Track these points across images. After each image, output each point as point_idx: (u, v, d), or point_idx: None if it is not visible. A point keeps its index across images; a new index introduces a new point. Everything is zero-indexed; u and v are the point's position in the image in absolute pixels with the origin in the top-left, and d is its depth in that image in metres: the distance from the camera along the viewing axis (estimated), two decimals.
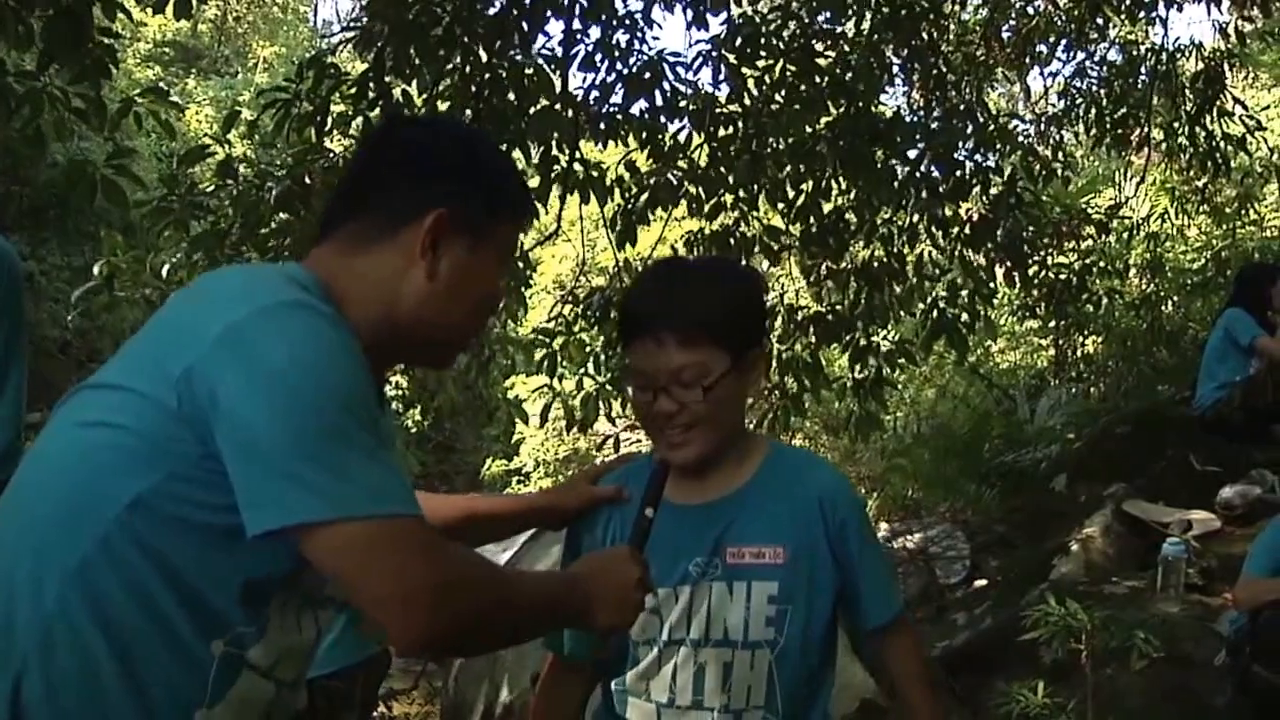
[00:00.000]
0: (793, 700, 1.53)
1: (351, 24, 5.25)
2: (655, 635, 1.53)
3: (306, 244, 1.27)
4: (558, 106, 4.43)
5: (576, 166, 4.69)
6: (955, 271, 5.53)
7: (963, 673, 4.05)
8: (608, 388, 5.01)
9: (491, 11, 4.37)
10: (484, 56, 4.40)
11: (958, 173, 5.22)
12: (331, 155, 4.42)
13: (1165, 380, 7.08)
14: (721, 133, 4.94)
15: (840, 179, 5.18)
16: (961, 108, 5.68)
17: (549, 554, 4.15)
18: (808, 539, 1.53)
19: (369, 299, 1.20)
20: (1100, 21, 6.41)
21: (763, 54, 4.92)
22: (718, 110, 4.90)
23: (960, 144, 5.37)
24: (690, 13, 4.88)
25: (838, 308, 5.41)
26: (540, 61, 4.48)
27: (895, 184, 5.14)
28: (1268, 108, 8.49)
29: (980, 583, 5.39)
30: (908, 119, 5.53)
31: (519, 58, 4.43)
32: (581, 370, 5.12)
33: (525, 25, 4.35)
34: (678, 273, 1.63)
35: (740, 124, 4.93)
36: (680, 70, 4.69)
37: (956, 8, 6.40)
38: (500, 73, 4.39)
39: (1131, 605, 3.94)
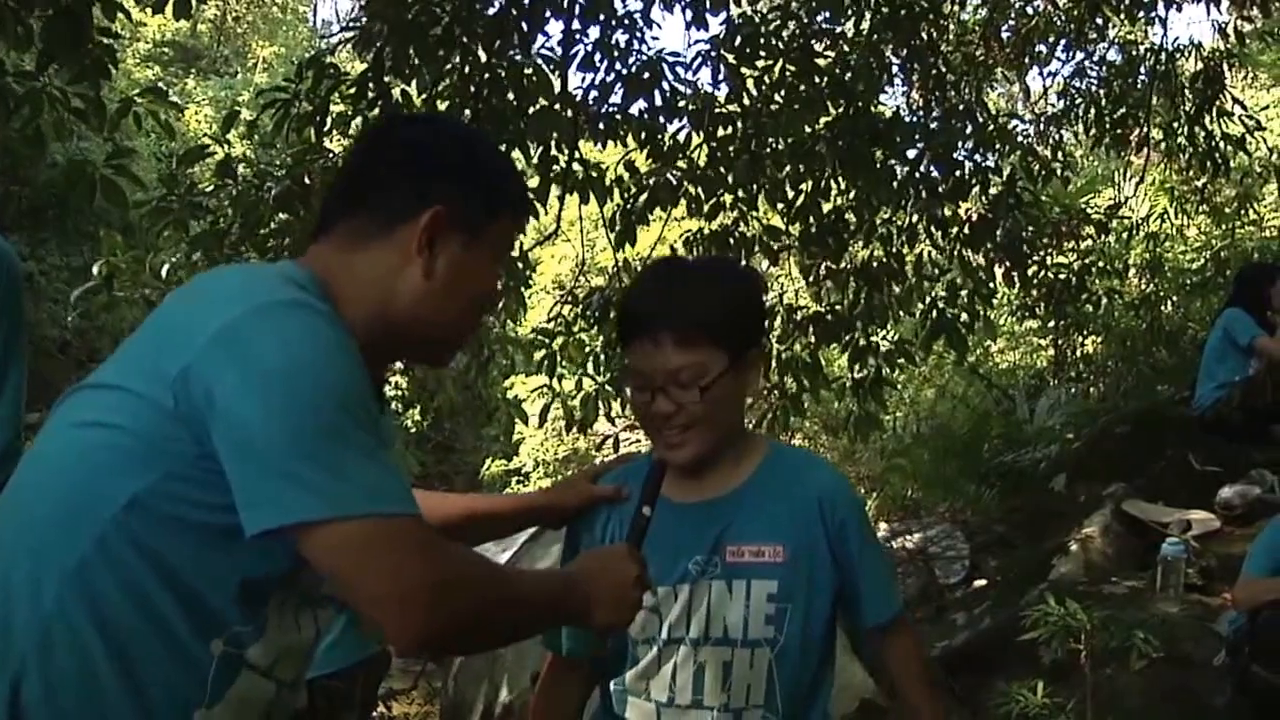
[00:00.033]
0: (792, 699, 1.53)
1: (351, 24, 5.26)
2: (655, 634, 1.53)
3: (306, 244, 1.27)
4: (557, 106, 4.43)
5: (576, 166, 4.69)
6: (954, 271, 5.53)
7: (962, 673, 4.05)
8: (607, 388, 5.01)
9: (491, 11, 4.37)
10: (483, 56, 4.40)
11: (957, 173, 5.23)
12: (331, 155, 4.42)
13: (1164, 380, 7.08)
14: (721, 133, 4.93)
15: (839, 179, 5.18)
16: (961, 108, 5.68)
17: (549, 553, 4.15)
18: (807, 538, 1.53)
19: (365, 296, 1.19)
20: (1100, 21, 6.41)
21: (762, 54, 4.92)
22: (717, 110, 4.90)
23: (960, 144, 5.37)
24: (689, 13, 4.88)
25: (837, 308, 5.40)
26: (539, 61, 4.48)
27: (895, 184, 5.14)
28: (1267, 108, 8.48)
29: (980, 583, 5.38)
30: (907, 119, 5.52)
31: (518, 58, 4.43)
32: (581, 370, 5.12)
33: (524, 25, 4.35)
34: (676, 273, 1.62)
35: (739, 124, 4.93)
36: (679, 70, 4.70)
37: (956, 8, 6.39)
38: (499, 73, 4.38)
39: (1131, 605, 3.94)
